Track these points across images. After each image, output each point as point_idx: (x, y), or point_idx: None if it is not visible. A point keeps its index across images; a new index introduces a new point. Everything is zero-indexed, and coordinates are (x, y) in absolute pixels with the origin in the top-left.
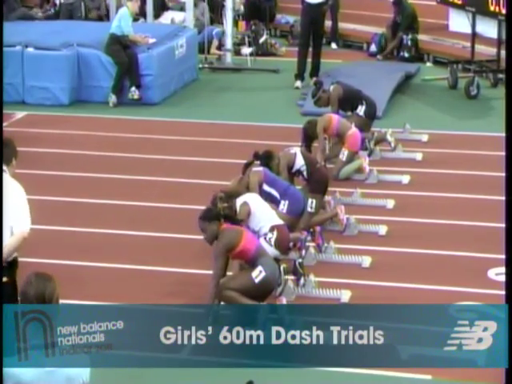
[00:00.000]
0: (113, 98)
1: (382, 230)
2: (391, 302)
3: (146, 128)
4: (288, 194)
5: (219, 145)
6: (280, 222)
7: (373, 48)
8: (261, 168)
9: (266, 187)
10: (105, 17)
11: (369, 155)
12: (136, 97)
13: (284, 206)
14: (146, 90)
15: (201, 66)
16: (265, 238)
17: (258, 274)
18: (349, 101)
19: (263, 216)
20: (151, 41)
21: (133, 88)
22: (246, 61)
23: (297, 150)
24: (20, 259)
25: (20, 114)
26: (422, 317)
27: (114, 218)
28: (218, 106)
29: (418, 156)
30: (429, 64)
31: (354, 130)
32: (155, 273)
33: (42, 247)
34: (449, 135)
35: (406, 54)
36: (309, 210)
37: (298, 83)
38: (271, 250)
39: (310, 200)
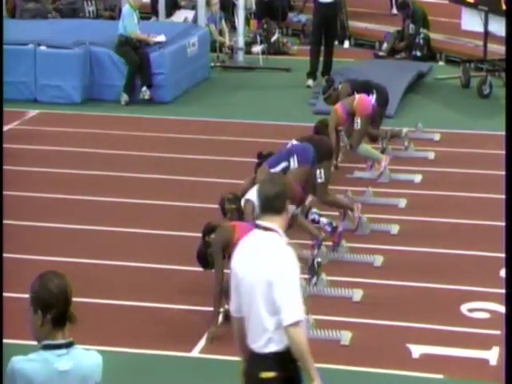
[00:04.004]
0: (125, 97)
1: (394, 228)
2: (403, 301)
3: (157, 126)
4: (293, 151)
5: (231, 143)
6: None
7: (384, 47)
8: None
9: (273, 170)
10: (118, 16)
11: (381, 153)
12: (147, 97)
13: (294, 161)
14: (157, 89)
15: (213, 64)
16: None
17: None
18: (358, 89)
19: None
20: (159, 39)
21: (144, 88)
22: (258, 59)
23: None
24: (27, 256)
25: (32, 113)
26: (434, 316)
27: (126, 216)
28: (230, 104)
29: (431, 155)
30: (441, 63)
31: (357, 97)
32: (170, 271)
33: (56, 247)
34: (461, 134)
35: (419, 53)
36: (319, 180)
37: (310, 82)
38: None
39: (317, 171)
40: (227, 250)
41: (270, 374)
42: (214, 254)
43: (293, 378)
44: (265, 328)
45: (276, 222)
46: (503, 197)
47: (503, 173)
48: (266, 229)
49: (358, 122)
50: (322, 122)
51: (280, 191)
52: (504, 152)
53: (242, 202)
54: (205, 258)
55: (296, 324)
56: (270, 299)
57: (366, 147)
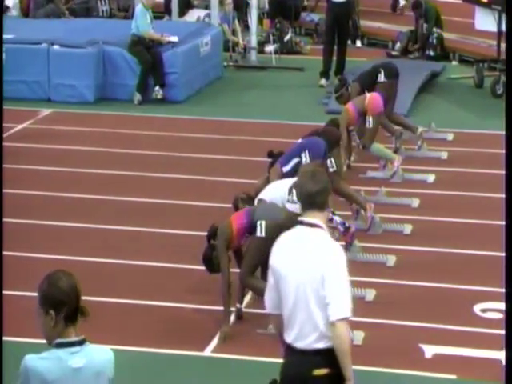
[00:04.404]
0: (138, 96)
1: (407, 228)
2: (416, 301)
3: (170, 126)
4: (304, 146)
5: (243, 143)
6: (293, 180)
7: (397, 46)
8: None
9: (286, 168)
10: (131, 16)
11: (394, 152)
12: (160, 96)
13: (306, 156)
14: (170, 88)
15: (226, 64)
16: (288, 201)
17: (260, 228)
18: (367, 84)
19: (281, 196)
20: (172, 39)
21: (157, 87)
22: (271, 59)
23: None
24: (44, 256)
25: (46, 112)
26: (446, 316)
27: (138, 214)
28: (243, 104)
29: (444, 155)
30: (454, 63)
31: (368, 96)
32: (186, 271)
33: (68, 246)
34: (474, 134)
35: (432, 53)
36: (331, 170)
37: (323, 81)
38: (298, 207)
39: (327, 160)
40: (231, 246)
41: (324, 371)
42: (218, 255)
43: (341, 376)
44: (316, 325)
45: (319, 218)
46: None
47: None
48: (311, 225)
49: (369, 121)
50: (332, 122)
51: (322, 187)
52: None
53: (256, 202)
54: (210, 261)
55: (343, 320)
56: (321, 296)
57: (379, 147)
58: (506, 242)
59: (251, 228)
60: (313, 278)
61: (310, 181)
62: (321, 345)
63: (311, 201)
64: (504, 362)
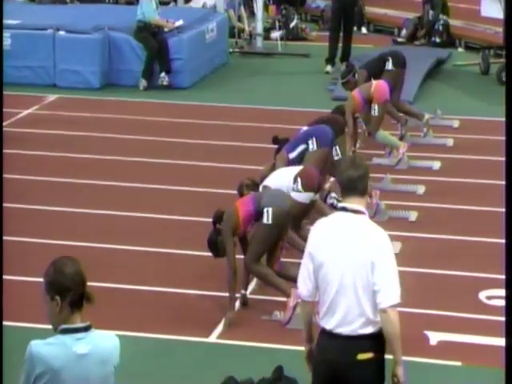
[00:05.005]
0: (143, 82)
1: (413, 215)
2: (421, 288)
3: (176, 112)
4: (311, 134)
5: (249, 129)
6: (299, 168)
7: (403, 33)
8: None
9: (292, 155)
10: (136, 1)
11: (400, 139)
12: (165, 83)
13: (313, 143)
14: (176, 75)
15: (231, 50)
16: (293, 190)
17: (266, 215)
18: (375, 72)
19: (287, 185)
20: (177, 24)
21: (162, 74)
22: (277, 45)
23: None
24: (49, 241)
25: (51, 97)
26: (451, 303)
27: (144, 200)
28: (248, 90)
29: (449, 142)
30: (460, 49)
31: (374, 84)
32: (190, 257)
33: (74, 231)
34: (480, 121)
35: (438, 40)
36: (336, 158)
37: (329, 68)
38: (303, 196)
39: (333, 149)
40: (237, 232)
41: (369, 355)
42: (224, 241)
43: (383, 361)
44: (362, 311)
45: (361, 204)
46: None
47: None
48: (354, 211)
49: (375, 109)
50: (338, 109)
51: (363, 173)
52: None
53: (261, 188)
54: (215, 245)
55: (394, 307)
56: (369, 282)
57: (384, 134)
58: (506, 229)
59: (258, 215)
60: (361, 265)
61: (350, 167)
62: (367, 330)
63: (353, 186)
64: (505, 350)
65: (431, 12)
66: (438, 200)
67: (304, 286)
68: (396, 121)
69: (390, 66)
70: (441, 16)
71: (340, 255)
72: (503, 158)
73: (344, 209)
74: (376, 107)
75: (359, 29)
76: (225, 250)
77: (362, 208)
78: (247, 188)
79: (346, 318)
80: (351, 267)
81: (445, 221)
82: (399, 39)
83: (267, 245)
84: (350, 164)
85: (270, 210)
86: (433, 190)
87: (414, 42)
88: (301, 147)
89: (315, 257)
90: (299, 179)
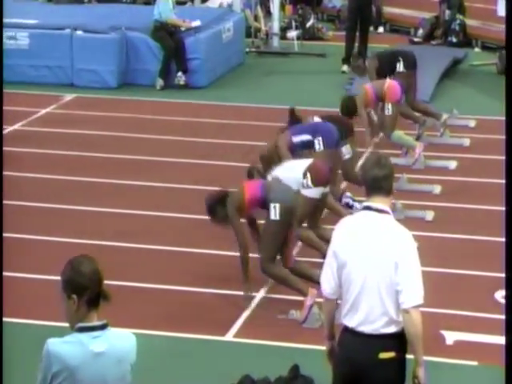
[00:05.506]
0: (160, 82)
1: (429, 215)
2: (437, 288)
3: (192, 111)
4: (319, 130)
5: (266, 128)
6: (308, 162)
7: (420, 33)
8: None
9: (295, 139)
10: (153, 1)
11: (416, 139)
12: (182, 82)
13: (319, 143)
14: (193, 74)
15: (248, 50)
16: (303, 186)
17: (274, 211)
18: (385, 66)
19: (296, 178)
20: (194, 24)
21: (179, 73)
22: (293, 45)
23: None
24: (72, 240)
25: (69, 97)
26: (468, 302)
27: (160, 199)
28: (265, 90)
29: (466, 141)
30: (477, 49)
31: (389, 82)
32: (206, 256)
33: (88, 228)
34: (497, 121)
35: (454, 39)
36: (346, 156)
37: (345, 67)
38: (314, 192)
39: (343, 147)
40: (241, 214)
41: (391, 354)
42: (231, 220)
43: (405, 361)
44: (385, 310)
45: (386, 204)
46: None
47: None
48: (379, 211)
49: (388, 109)
50: (349, 99)
51: (388, 173)
52: None
53: (269, 177)
54: (214, 210)
55: (417, 307)
56: (393, 282)
57: (400, 134)
58: (506, 228)
59: (263, 204)
60: (385, 265)
61: (375, 166)
62: (389, 330)
63: (378, 186)
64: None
65: (448, 12)
66: (454, 199)
67: (327, 284)
68: (414, 121)
69: (401, 67)
70: (457, 16)
71: (364, 254)
72: None
73: (368, 208)
74: (390, 107)
75: (376, 28)
76: (223, 218)
77: (386, 207)
78: (258, 173)
79: (369, 316)
80: (375, 266)
81: (461, 220)
82: (415, 39)
83: (278, 240)
84: (375, 163)
85: (278, 205)
86: (449, 190)
87: (430, 42)
88: (305, 136)
89: (339, 255)
90: (308, 174)
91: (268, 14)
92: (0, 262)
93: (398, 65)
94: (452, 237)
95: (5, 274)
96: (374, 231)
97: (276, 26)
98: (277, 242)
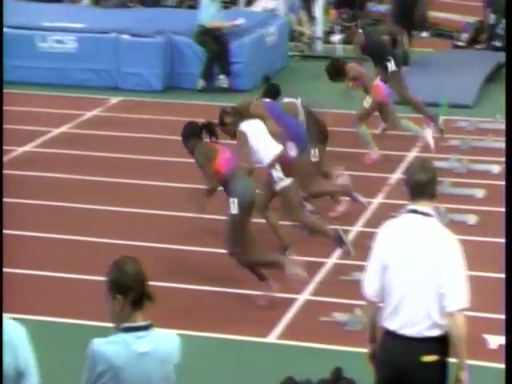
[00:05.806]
0: (201, 82)
1: (472, 219)
2: (480, 291)
3: None
4: (291, 136)
5: None
6: (276, 151)
7: (464, 37)
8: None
9: (270, 118)
10: (197, 5)
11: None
12: (224, 85)
13: (290, 148)
14: (236, 78)
15: (291, 53)
16: (272, 175)
17: (233, 206)
18: (376, 54)
19: (262, 151)
20: (237, 22)
21: (222, 76)
22: (337, 49)
23: (297, 101)
24: (102, 240)
25: (114, 100)
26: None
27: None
28: (309, 93)
29: None
30: None
31: (377, 82)
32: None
33: (133, 229)
34: None
35: (499, 44)
36: (313, 159)
37: None
38: (286, 182)
39: (312, 150)
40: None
41: (434, 358)
42: (202, 165)
43: (447, 364)
44: (429, 314)
45: (430, 207)
46: None
47: None
48: (424, 214)
49: (368, 102)
50: (336, 60)
51: (432, 177)
52: None
53: (240, 128)
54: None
55: (461, 311)
56: (438, 285)
57: (407, 122)
58: (506, 229)
59: (224, 184)
60: (430, 268)
61: (419, 170)
62: (433, 333)
63: (422, 190)
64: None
65: (493, 16)
66: (497, 203)
67: (370, 286)
68: (426, 117)
69: (393, 66)
70: (502, 20)
71: (408, 257)
72: None
73: (414, 211)
74: (370, 101)
75: (420, 32)
76: (191, 150)
77: (430, 211)
78: (227, 115)
79: (411, 319)
80: (419, 269)
81: (504, 225)
82: (459, 43)
83: (240, 233)
84: (419, 168)
85: (236, 200)
86: (492, 194)
87: (474, 46)
88: (279, 127)
89: (382, 258)
90: (277, 166)
91: (312, 18)
92: (0, 259)
93: (389, 65)
94: (495, 241)
95: (4, 270)
96: (419, 234)
97: (320, 30)
98: (239, 234)
